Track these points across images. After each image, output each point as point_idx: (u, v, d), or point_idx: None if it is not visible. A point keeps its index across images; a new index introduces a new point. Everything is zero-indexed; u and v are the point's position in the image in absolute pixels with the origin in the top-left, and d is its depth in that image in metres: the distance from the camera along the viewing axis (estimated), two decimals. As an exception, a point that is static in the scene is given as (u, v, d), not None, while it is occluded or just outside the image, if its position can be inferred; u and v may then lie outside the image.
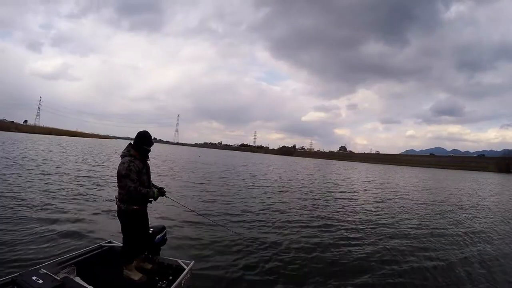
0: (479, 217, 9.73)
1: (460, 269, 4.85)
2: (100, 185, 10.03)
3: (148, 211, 3.37)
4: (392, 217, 8.58)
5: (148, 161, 3.40)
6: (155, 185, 3.49)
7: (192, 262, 3.45)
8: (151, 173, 3.47)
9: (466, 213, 10.34)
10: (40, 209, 6.21)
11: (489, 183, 30.49)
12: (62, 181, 10.09)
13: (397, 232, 6.88)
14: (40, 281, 2.37)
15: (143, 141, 3.26)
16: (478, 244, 6.44)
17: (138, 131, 3.34)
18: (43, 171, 11.80)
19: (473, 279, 4.52)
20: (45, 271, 2.56)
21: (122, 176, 3.05)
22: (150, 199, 3.25)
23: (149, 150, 3.34)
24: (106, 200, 7.57)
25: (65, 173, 12.05)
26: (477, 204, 13.04)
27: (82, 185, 9.59)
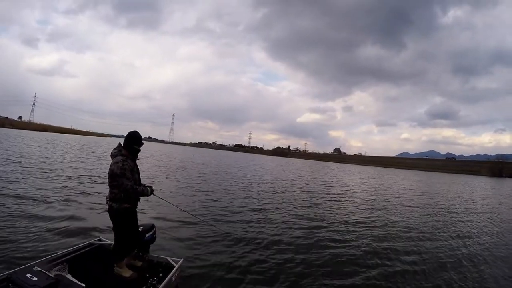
0: (470, 220, 9.97)
1: (450, 271, 5.00)
2: (90, 183, 10.02)
3: (137, 209, 3.45)
4: (383, 220, 8.74)
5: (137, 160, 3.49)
6: (143, 184, 3.59)
7: (182, 260, 3.55)
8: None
9: (458, 217, 10.59)
10: (31, 206, 6.23)
11: (483, 188, 30.95)
12: (53, 178, 10.03)
13: (387, 235, 7.03)
14: (35, 279, 2.42)
15: (133, 141, 3.35)
16: (469, 247, 6.62)
17: (129, 131, 3.42)
18: (37, 168, 11.72)
19: (462, 280, 4.66)
20: (39, 269, 2.62)
21: (117, 175, 3.11)
22: (143, 196, 3.35)
23: (139, 150, 3.45)
24: (96, 199, 7.59)
25: (56, 170, 11.99)
26: (468, 208, 13.33)
27: (73, 183, 9.56)
